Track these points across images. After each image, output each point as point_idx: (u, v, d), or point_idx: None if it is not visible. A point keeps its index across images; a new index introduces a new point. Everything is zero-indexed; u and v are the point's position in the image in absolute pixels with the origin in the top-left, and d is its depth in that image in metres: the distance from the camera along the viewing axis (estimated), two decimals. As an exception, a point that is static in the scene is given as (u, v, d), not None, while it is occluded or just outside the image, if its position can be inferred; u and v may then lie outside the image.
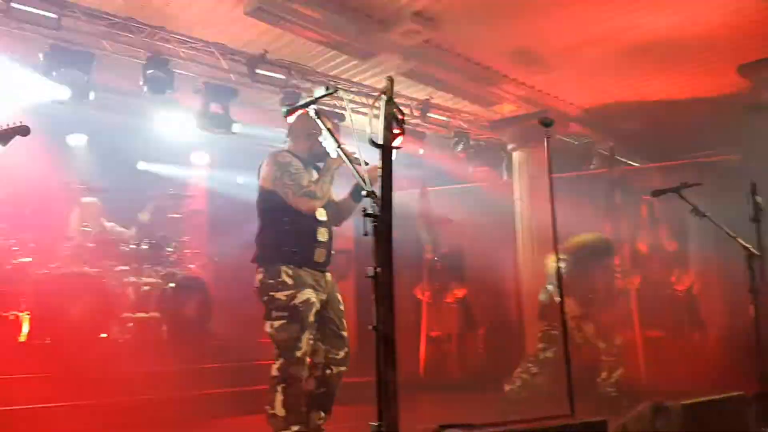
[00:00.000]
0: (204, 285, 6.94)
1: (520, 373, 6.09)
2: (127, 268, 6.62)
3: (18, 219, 6.07)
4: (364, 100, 7.51)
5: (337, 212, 3.77)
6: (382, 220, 2.12)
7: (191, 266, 7.40)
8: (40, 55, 5.87)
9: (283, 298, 3.43)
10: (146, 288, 6.76)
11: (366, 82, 7.51)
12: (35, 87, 5.88)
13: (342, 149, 2.71)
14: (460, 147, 8.56)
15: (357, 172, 2.36)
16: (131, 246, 6.63)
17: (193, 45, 6.38)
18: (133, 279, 6.67)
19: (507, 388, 6.05)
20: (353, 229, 9.39)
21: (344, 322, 3.70)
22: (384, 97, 2.26)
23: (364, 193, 2.25)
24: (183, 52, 6.40)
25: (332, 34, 6.20)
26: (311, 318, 3.47)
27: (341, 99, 6.99)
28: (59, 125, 7.09)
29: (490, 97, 8.07)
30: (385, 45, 6.53)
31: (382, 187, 2.16)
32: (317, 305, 3.54)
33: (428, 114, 7.95)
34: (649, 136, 9.16)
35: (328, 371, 3.59)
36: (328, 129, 2.79)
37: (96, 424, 4.96)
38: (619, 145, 8.86)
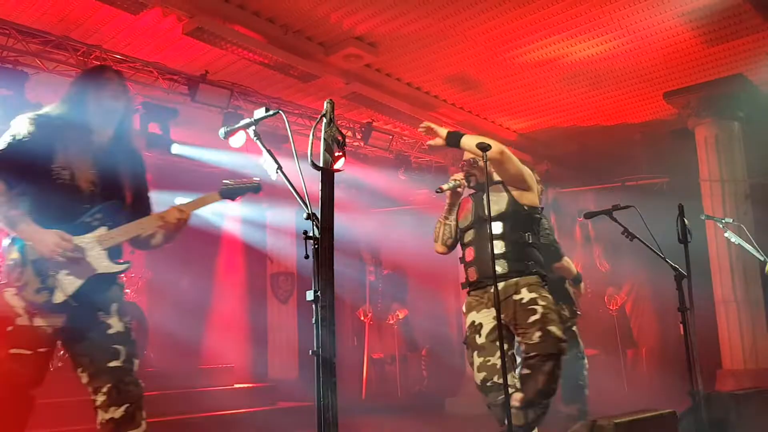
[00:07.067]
0: (140, 310, 6.72)
1: None
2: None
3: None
4: (306, 122, 7.52)
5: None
6: (324, 243, 2.11)
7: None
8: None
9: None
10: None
11: (309, 105, 7.53)
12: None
13: (282, 171, 2.69)
14: (401, 170, 8.63)
15: (298, 194, 2.35)
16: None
17: (131, 64, 6.27)
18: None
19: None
20: (296, 254, 9.36)
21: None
22: (325, 119, 2.26)
23: (305, 215, 2.23)
24: (120, 71, 6.27)
25: (274, 56, 6.20)
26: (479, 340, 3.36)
27: (283, 121, 6.95)
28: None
29: (429, 121, 8.18)
30: (327, 68, 6.57)
31: (324, 209, 2.15)
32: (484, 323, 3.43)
33: (370, 137, 7.98)
34: (582, 159, 9.46)
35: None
36: (268, 150, 2.78)
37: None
38: (553, 169, 9.10)
